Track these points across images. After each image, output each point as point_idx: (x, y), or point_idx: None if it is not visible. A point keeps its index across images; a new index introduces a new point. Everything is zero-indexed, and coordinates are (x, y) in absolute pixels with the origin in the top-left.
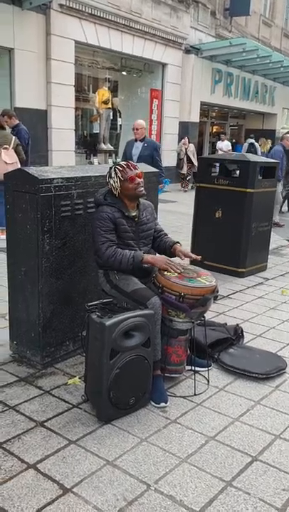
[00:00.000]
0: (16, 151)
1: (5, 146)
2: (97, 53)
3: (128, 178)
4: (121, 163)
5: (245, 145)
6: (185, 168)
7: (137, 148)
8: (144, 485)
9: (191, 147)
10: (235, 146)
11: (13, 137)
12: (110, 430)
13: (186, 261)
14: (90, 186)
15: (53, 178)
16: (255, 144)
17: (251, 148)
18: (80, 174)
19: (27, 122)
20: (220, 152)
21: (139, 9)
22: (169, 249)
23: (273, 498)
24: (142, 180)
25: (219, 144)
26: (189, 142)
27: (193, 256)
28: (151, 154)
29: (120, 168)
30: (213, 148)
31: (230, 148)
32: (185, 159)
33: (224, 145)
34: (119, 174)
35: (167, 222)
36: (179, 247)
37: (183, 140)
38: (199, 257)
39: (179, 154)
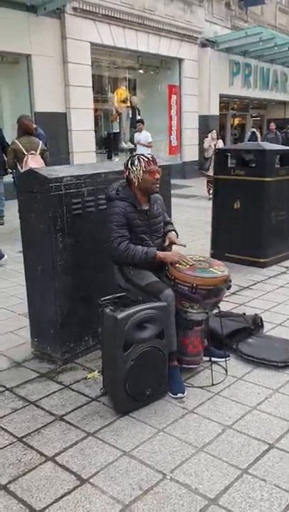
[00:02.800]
0: (42, 156)
1: (32, 151)
2: (113, 53)
3: (150, 170)
4: (146, 155)
5: (248, 134)
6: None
7: None
8: (160, 474)
9: (220, 143)
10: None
11: (40, 142)
12: (128, 422)
13: (207, 253)
14: (100, 183)
15: (63, 177)
16: (256, 132)
17: (253, 137)
18: (90, 171)
19: (47, 126)
20: (138, 146)
21: (152, 6)
22: (162, 237)
23: None
24: (159, 177)
25: (137, 137)
26: (218, 138)
27: (180, 243)
28: None
29: (146, 159)
30: (236, 141)
31: (151, 140)
32: (214, 158)
33: (142, 137)
34: (144, 164)
35: (189, 216)
36: (170, 233)
37: (210, 134)
38: (185, 244)
39: (206, 151)
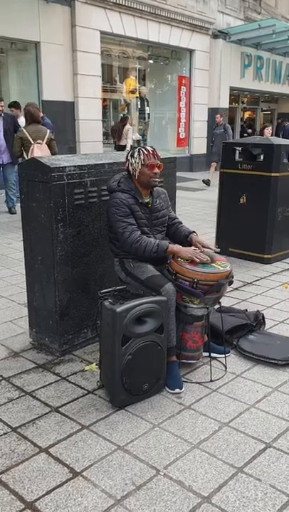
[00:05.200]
0: (49, 146)
1: (38, 141)
2: (123, 43)
3: (148, 164)
4: (147, 147)
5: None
6: None
7: None
8: (153, 470)
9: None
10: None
11: (48, 131)
12: (123, 416)
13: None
14: (103, 174)
15: (65, 166)
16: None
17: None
18: (94, 162)
19: (55, 114)
20: None
21: None
22: (185, 239)
23: (285, 484)
24: (159, 172)
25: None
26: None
27: (213, 248)
28: None
29: (145, 152)
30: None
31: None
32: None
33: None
34: (142, 157)
35: (195, 210)
36: (196, 237)
37: (266, 131)
38: (218, 249)
39: None
